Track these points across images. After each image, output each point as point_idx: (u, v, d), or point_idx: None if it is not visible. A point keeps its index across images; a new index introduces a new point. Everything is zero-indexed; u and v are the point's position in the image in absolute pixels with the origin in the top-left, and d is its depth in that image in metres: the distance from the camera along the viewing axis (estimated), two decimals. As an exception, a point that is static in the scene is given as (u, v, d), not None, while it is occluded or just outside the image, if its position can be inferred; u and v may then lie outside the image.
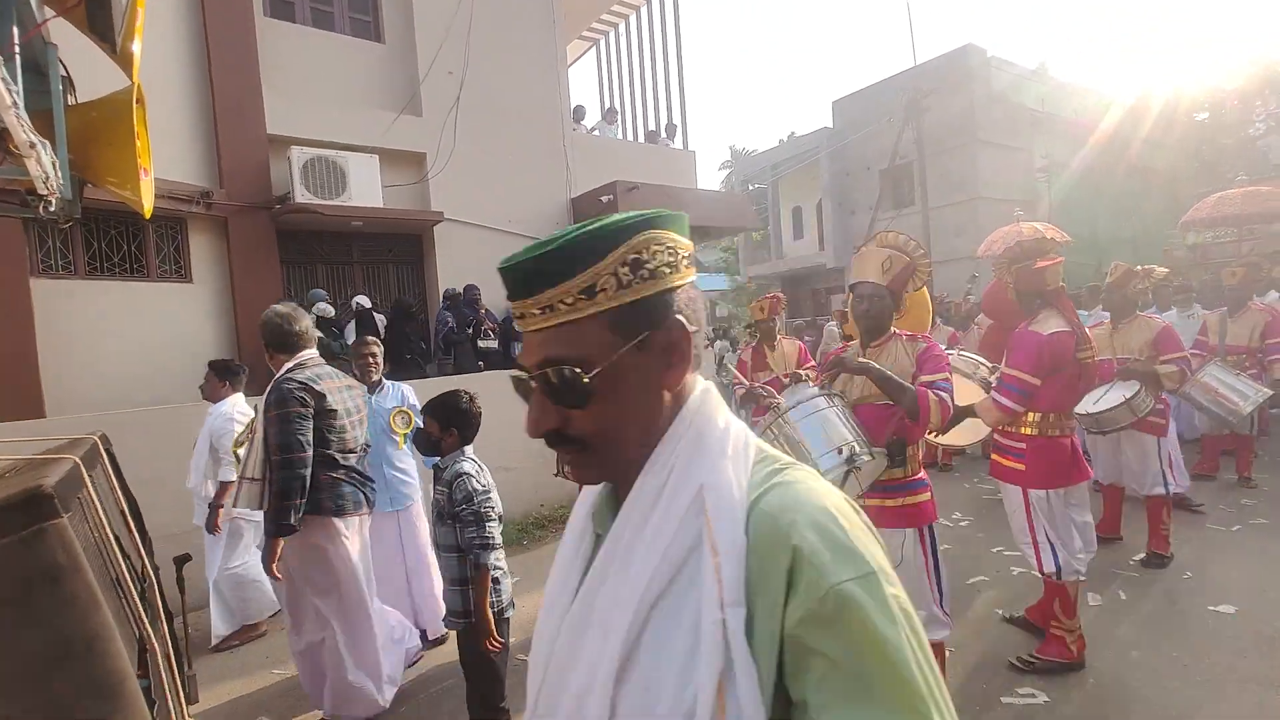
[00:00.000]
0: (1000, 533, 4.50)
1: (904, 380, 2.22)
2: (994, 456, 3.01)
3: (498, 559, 2.34)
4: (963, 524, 4.84)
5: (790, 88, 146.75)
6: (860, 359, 2.30)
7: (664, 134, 10.91)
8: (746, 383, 4.90)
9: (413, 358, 6.63)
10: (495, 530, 2.33)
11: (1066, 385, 2.76)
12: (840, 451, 2.11)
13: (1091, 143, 17.00)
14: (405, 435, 3.51)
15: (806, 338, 10.80)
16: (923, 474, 2.37)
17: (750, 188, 22.58)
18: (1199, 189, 15.63)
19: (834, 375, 2.39)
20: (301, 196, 6.02)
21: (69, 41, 1.83)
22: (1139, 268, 3.88)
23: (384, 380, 3.67)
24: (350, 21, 7.20)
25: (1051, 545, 2.76)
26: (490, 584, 2.30)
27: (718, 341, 9.94)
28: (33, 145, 1.51)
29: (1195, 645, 2.91)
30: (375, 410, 3.47)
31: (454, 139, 7.27)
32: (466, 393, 2.51)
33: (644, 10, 11.30)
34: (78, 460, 1.25)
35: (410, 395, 3.69)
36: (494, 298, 7.40)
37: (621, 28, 11.90)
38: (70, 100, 1.94)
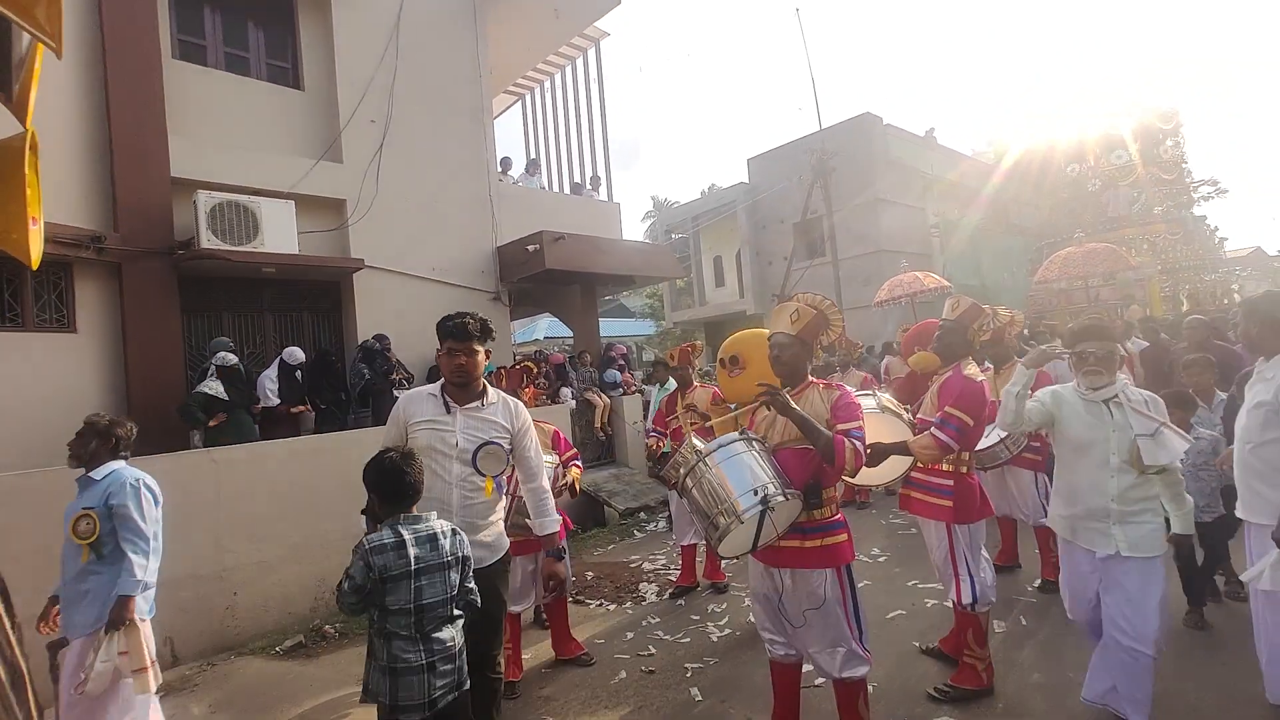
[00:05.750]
0: (915, 566, 4.72)
1: (822, 426, 2.32)
2: (913, 494, 3.14)
3: None
4: (880, 559, 5.04)
5: (710, 142, 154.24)
6: (787, 403, 2.34)
7: (588, 186, 11.20)
8: (658, 431, 4.87)
9: (329, 409, 6.34)
10: None
11: (981, 427, 3.01)
12: (755, 493, 2.17)
13: (972, 203, 19.05)
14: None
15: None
16: (840, 516, 2.45)
17: (673, 237, 23.38)
18: (1046, 239, 17.78)
19: (762, 404, 2.43)
20: (208, 242, 5.71)
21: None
22: (1002, 312, 4.18)
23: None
24: (267, 68, 7.05)
25: (971, 577, 2.93)
26: None
27: (646, 386, 10.03)
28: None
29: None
30: None
31: (376, 186, 7.19)
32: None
33: (569, 69, 11.73)
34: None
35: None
36: (411, 349, 7.15)
37: (547, 83, 12.27)
38: (-48, 145, 1.82)
